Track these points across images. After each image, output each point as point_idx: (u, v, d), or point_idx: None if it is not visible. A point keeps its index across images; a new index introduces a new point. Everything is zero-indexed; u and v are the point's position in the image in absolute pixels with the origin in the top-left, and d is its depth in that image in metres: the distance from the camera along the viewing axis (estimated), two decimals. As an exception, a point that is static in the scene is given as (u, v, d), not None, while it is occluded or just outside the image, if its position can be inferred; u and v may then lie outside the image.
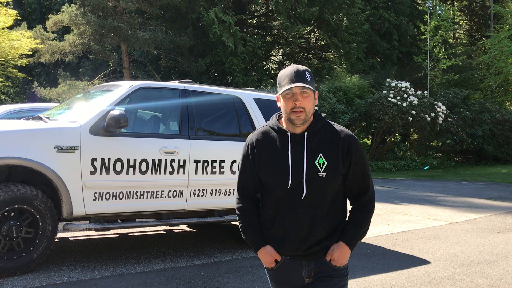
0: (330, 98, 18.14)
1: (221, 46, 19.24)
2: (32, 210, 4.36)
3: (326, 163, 2.16)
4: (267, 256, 2.25)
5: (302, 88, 2.14)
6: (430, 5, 22.52)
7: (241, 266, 5.01)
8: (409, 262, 5.30)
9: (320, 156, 2.17)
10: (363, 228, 2.24)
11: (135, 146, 4.88)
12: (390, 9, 25.70)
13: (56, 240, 5.06)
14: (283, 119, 2.28)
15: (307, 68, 2.21)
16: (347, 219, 2.28)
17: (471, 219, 8.02)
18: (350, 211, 2.30)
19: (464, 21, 33.85)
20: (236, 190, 2.37)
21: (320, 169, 2.15)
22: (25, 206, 4.32)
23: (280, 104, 2.23)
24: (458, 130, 19.93)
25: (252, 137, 2.32)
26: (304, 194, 2.15)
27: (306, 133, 2.21)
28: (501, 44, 23.84)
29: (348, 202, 2.33)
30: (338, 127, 2.27)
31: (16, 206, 4.28)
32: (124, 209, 4.86)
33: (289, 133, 2.21)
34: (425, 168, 19.52)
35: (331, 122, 2.29)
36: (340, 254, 2.19)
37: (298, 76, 2.15)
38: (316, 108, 2.29)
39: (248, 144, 2.30)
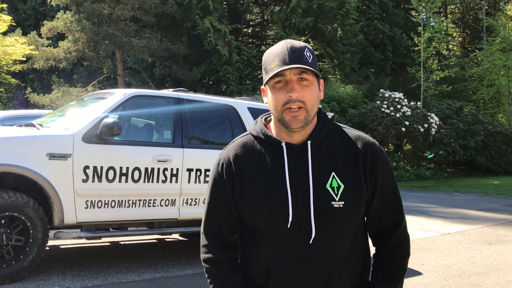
0: (324, 108, 18.24)
1: (216, 54, 19.29)
2: (23, 217, 4.33)
3: (342, 186, 1.46)
4: None
5: (300, 72, 1.41)
6: (424, 17, 22.67)
7: (233, 276, 4.98)
8: (401, 273, 5.30)
9: (333, 176, 1.46)
10: (400, 284, 1.58)
11: (128, 154, 4.87)
12: (385, 20, 25.95)
13: (47, 248, 5.02)
14: (272, 122, 1.56)
15: (307, 45, 1.47)
16: (373, 267, 1.61)
17: (463, 230, 8.04)
18: (376, 256, 1.61)
19: (457, 33, 34.27)
20: (202, 233, 1.61)
21: (334, 196, 1.45)
22: (16, 214, 4.29)
23: (268, 99, 1.49)
24: (450, 141, 20.05)
25: (227, 153, 1.54)
26: (313, 235, 1.44)
27: (309, 142, 1.48)
28: (494, 56, 24.15)
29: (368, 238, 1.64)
30: (353, 131, 1.56)
31: (6, 213, 4.25)
32: (116, 218, 4.84)
33: (283, 144, 1.48)
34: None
35: (342, 125, 1.58)
36: None
37: (293, 55, 1.40)
38: (320, 106, 1.54)
39: (222, 164, 1.53)
